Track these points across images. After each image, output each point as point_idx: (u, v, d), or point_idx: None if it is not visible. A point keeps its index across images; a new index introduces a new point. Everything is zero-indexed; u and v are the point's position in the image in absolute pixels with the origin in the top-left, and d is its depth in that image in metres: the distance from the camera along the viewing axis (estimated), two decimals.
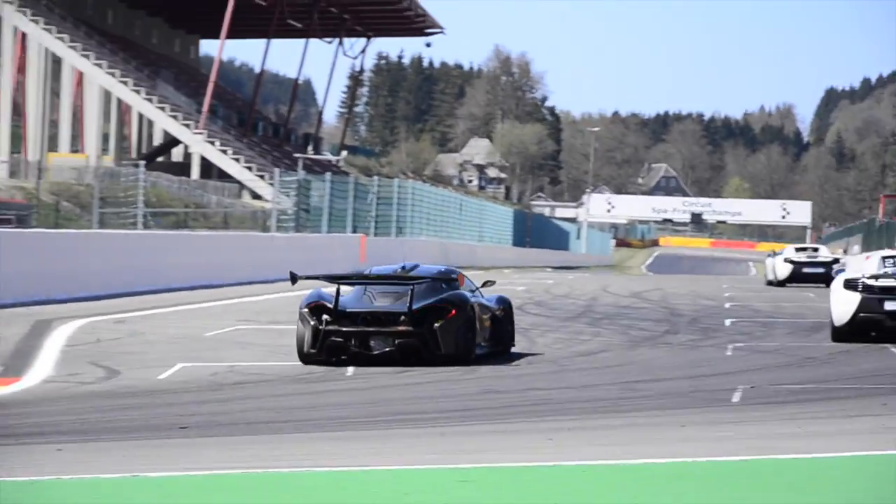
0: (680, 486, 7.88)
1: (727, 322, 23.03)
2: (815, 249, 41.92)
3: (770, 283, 41.80)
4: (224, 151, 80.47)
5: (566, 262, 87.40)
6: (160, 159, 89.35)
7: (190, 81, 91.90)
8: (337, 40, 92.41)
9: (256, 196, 75.53)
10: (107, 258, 28.01)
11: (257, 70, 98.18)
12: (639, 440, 10.19)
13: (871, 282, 18.61)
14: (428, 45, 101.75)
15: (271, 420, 11.61)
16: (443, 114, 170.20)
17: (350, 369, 15.49)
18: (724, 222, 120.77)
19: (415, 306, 15.71)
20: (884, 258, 20.05)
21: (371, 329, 15.75)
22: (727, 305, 28.10)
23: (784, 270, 40.57)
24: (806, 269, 40.08)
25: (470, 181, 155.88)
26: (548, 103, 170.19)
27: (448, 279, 16.46)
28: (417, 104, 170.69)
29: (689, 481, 8.03)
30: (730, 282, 43.75)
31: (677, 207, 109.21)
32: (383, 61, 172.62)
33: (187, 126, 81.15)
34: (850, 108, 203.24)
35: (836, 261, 39.49)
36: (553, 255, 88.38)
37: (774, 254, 42.96)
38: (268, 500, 7.31)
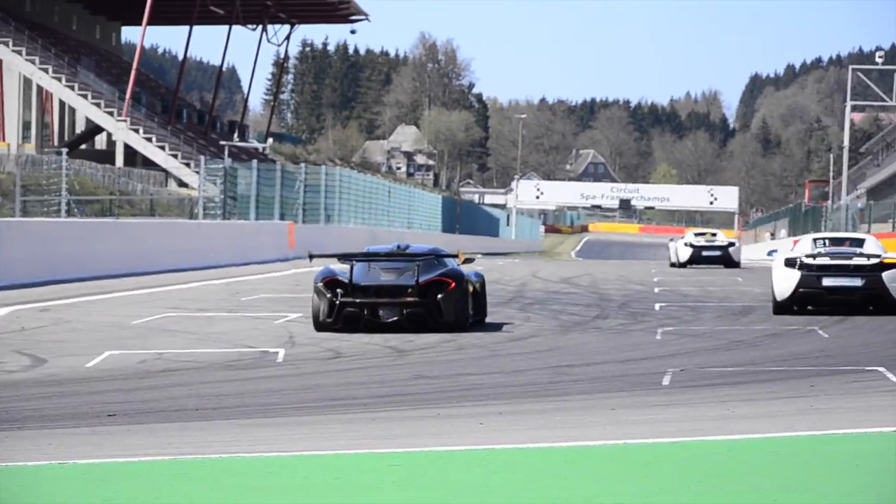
0: (610, 468, 7.94)
1: (657, 306, 23.19)
2: (714, 234, 45.30)
3: (673, 265, 44.26)
4: (148, 139, 79.85)
5: (496, 248, 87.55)
6: (83, 147, 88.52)
7: (112, 68, 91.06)
8: (260, 27, 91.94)
9: (182, 184, 75.05)
10: (30, 246, 27.72)
11: (180, 57, 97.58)
12: (569, 424, 10.26)
13: (810, 260, 20.59)
14: (353, 31, 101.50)
15: (200, 407, 11.56)
16: (369, 101, 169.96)
17: (280, 355, 15.48)
18: (652, 208, 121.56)
19: (420, 279, 18.00)
20: (815, 240, 21.65)
21: (382, 300, 17.98)
22: (656, 290, 28.30)
23: (685, 253, 43.60)
24: (705, 252, 43.33)
25: (398, 168, 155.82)
26: (475, 90, 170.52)
27: (440, 256, 18.77)
28: (344, 91, 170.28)
29: (619, 464, 8.10)
30: (658, 266, 44.05)
31: (606, 193, 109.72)
32: (308, 48, 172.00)
33: (110, 113, 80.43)
34: (774, 94, 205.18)
35: (732, 244, 44.02)
36: (483, 241, 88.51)
37: (676, 238, 46.31)
38: (197, 487, 7.28)
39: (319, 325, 18.09)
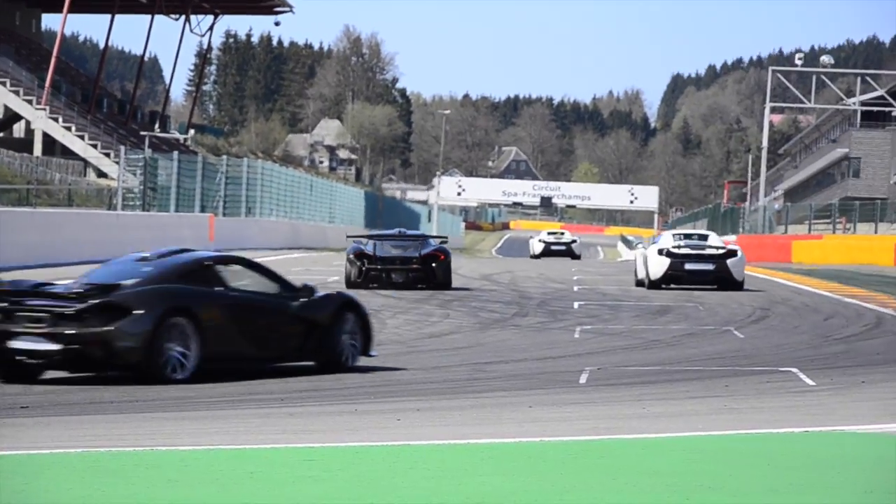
0: (527, 465, 7.98)
1: (575, 305, 23.32)
2: (562, 233, 57.09)
3: (532, 257, 54.60)
4: (68, 128, 78.97)
5: None
6: (1, 135, 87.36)
7: (32, 56, 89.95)
8: (183, 17, 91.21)
9: (102, 174, 74.30)
10: None
11: (102, 46, 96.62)
12: (487, 420, 10.29)
13: (676, 250, 27.59)
14: (277, 23, 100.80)
15: (116, 400, 11.48)
16: (293, 94, 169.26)
17: None
18: (573, 206, 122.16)
19: (422, 252, 26.47)
20: (674, 235, 29.13)
21: (395, 266, 26.38)
22: (576, 289, 28.45)
23: (539, 248, 55.02)
24: (553, 247, 54.64)
25: (321, 162, 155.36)
26: (398, 85, 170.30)
27: (429, 237, 28.17)
28: (267, 84, 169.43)
29: (536, 461, 8.14)
30: (578, 265, 44.29)
31: (527, 191, 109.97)
32: (231, 40, 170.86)
33: (29, 102, 79.43)
34: (695, 94, 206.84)
35: (574, 241, 55.53)
36: None
37: (534, 235, 57.46)
38: (111, 479, 7.23)
39: (350, 284, 25.97)
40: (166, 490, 6.97)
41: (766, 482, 7.38)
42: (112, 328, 12.34)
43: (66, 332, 12.28)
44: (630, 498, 6.91)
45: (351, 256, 26.67)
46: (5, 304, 12.51)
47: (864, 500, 6.89)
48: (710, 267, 27.30)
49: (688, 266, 27.23)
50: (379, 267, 26.34)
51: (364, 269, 26.32)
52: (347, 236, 29.57)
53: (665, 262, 27.32)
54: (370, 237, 27.91)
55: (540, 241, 55.59)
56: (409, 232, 28.34)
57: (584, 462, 8.08)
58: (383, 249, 26.60)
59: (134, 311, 12.46)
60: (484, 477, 7.50)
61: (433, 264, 26.34)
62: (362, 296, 23.69)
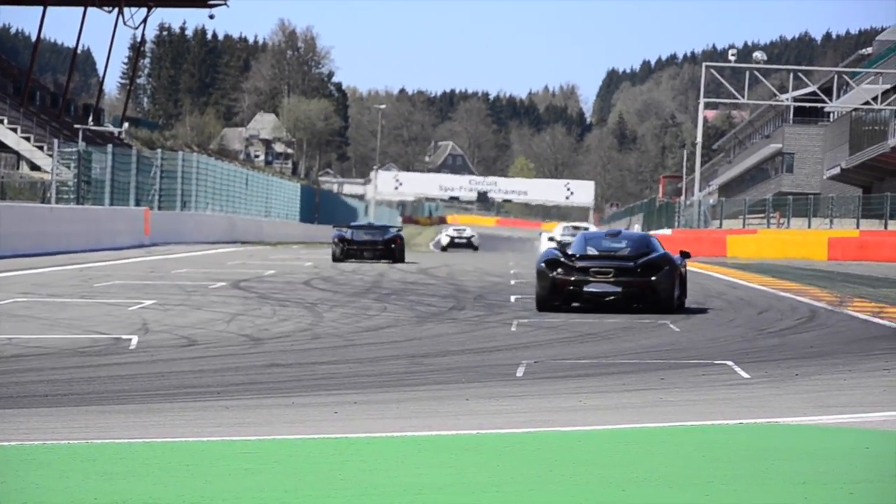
0: (464, 458, 8.00)
1: (512, 298, 23.37)
2: (464, 229, 67.41)
3: (442, 248, 65.68)
4: (0, 121, 78.22)
5: None
6: None
7: None
8: (117, 9, 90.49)
9: (35, 167, 73.65)
10: None
11: (34, 38, 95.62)
12: (424, 413, 10.31)
13: (564, 239, 33.04)
14: (211, 16, 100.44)
15: (50, 393, 11.39)
16: (228, 87, 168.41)
17: (133, 342, 15.30)
18: (510, 201, 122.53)
19: (385, 237, 37.98)
20: (564, 227, 34.41)
21: (367, 247, 37.66)
22: (513, 282, 28.51)
23: (446, 240, 65.68)
24: (456, 240, 65.11)
25: (256, 156, 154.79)
26: (334, 79, 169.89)
27: (390, 227, 39.88)
28: (201, 77, 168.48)
29: (472, 454, 8.16)
30: (516, 259, 44.41)
31: (464, 186, 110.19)
32: (165, 32, 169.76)
33: None
34: (631, 90, 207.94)
35: (473, 236, 65.59)
36: None
37: (442, 230, 70.48)
38: (44, 472, 7.18)
39: (336, 259, 37.67)
40: (101, 483, 6.94)
41: (701, 474, 7.44)
42: (654, 278, 20.06)
43: (626, 279, 19.98)
44: (566, 490, 6.94)
45: (336, 240, 38.16)
46: (582, 265, 20.12)
47: (798, 490, 6.96)
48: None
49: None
50: (355, 248, 38.01)
51: (345, 249, 37.93)
52: (333, 226, 41.92)
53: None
54: (349, 227, 39.54)
55: (447, 235, 67.09)
56: (376, 223, 42.15)
57: (520, 454, 8.11)
58: (358, 235, 38.42)
59: (665, 268, 20.22)
60: (421, 469, 7.51)
61: (392, 246, 38.23)
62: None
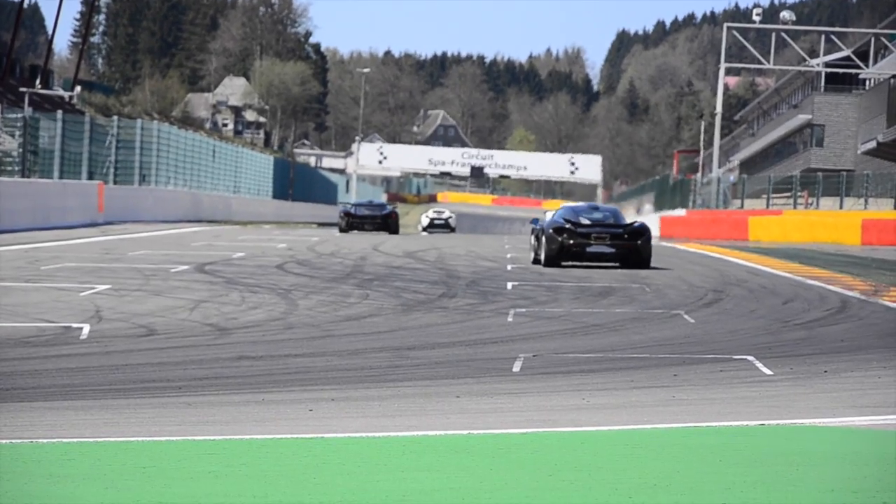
0: (453, 460, 8.01)
1: (509, 285, 23.41)
2: (443, 211, 74.07)
3: (423, 229, 71.31)
4: None
5: (333, 217, 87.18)
6: None
7: None
8: None
9: None
10: None
11: None
12: (409, 411, 10.33)
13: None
14: None
15: None
16: (193, 48, 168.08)
17: (85, 331, 15.30)
18: (507, 177, 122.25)
19: (382, 213, 52.77)
20: (564, 207, 32.34)
21: (367, 221, 52.03)
22: (509, 267, 28.55)
23: (426, 222, 71.61)
24: (436, 222, 71.18)
25: (224, 125, 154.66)
26: (312, 40, 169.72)
27: (387, 204, 57.10)
28: (163, 36, 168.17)
29: (463, 455, 8.17)
30: (513, 242, 44.46)
31: (456, 160, 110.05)
32: None
33: None
34: (643, 54, 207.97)
35: (451, 217, 72.48)
36: (319, 209, 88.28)
37: (426, 211, 77.53)
38: None
39: (342, 231, 50.58)
40: (48, 486, 6.94)
41: (718, 479, 7.46)
42: (639, 242, 28.24)
43: (619, 243, 28.13)
44: (567, 496, 6.96)
45: (342, 214, 52.38)
46: (582, 230, 28.17)
47: (825, 498, 6.98)
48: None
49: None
50: (358, 220, 51.68)
51: (349, 221, 51.49)
52: (339, 202, 58.63)
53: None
54: (353, 205, 53.68)
55: (426, 216, 73.92)
56: (375, 201, 57.30)
57: (516, 457, 8.12)
58: (360, 210, 52.48)
59: (645, 234, 28.47)
60: (405, 472, 7.52)
61: (388, 220, 52.01)
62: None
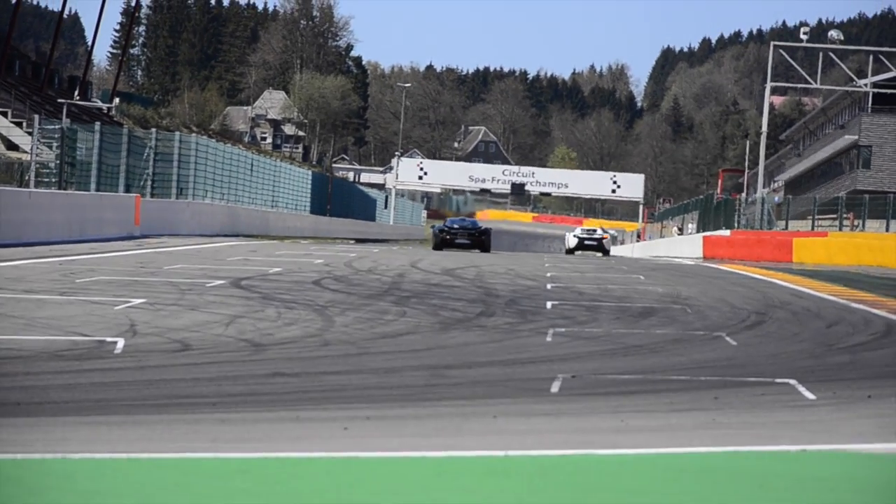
0: (489, 482, 8.00)
1: (548, 305, 23.37)
2: (593, 231, 71.78)
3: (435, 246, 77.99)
4: None
5: (372, 233, 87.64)
6: None
7: None
8: None
9: (12, 146, 73.99)
10: None
11: (14, 0, 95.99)
12: (446, 431, 10.32)
13: (563, 234, 68.01)
14: None
15: (24, 402, 11.44)
16: (233, 60, 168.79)
17: (119, 345, 15.34)
18: (548, 195, 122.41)
19: (476, 230, 58.27)
20: (581, 230, 66.07)
21: (461, 235, 56.89)
22: (549, 286, 28.51)
23: (440, 238, 71.45)
24: (458, 240, 69.10)
25: (263, 138, 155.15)
26: (353, 53, 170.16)
27: (478, 222, 62.15)
28: (203, 48, 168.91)
29: (499, 478, 8.16)
30: (553, 261, 44.42)
31: (497, 176, 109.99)
32: None
33: None
34: (688, 71, 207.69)
35: (485, 230, 77.83)
36: (357, 225, 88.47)
37: (435, 226, 77.35)
38: (13, 489, 7.21)
39: (435, 247, 55.77)
40: (79, 502, 6.95)
41: None
42: (485, 238, 54.95)
43: (475, 236, 54.60)
44: None
45: (436, 231, 57.33)
46: (451, 228, 55.69)
47: None
48: (594, 243, 67.01)
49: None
50: (451, 237, 55.91)
51: (443, 238, 55.84)
52: (428, 219, 78.10)
53: (575, 240, 65.58)
54: (445, 224, 58.58)
55: (441, 230, 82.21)
56: (468, 220, 60.37)
57: (553, 479, 8.11)
58: (454, 226, 56.90)
59: (488, 232, 56.05)
60: (440, 493, 7.51)
61: (482, 237, 55.85)
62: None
